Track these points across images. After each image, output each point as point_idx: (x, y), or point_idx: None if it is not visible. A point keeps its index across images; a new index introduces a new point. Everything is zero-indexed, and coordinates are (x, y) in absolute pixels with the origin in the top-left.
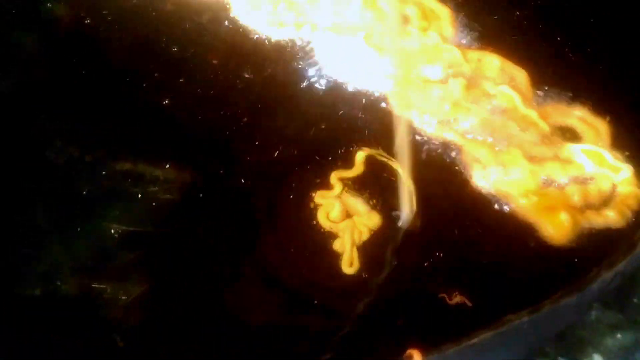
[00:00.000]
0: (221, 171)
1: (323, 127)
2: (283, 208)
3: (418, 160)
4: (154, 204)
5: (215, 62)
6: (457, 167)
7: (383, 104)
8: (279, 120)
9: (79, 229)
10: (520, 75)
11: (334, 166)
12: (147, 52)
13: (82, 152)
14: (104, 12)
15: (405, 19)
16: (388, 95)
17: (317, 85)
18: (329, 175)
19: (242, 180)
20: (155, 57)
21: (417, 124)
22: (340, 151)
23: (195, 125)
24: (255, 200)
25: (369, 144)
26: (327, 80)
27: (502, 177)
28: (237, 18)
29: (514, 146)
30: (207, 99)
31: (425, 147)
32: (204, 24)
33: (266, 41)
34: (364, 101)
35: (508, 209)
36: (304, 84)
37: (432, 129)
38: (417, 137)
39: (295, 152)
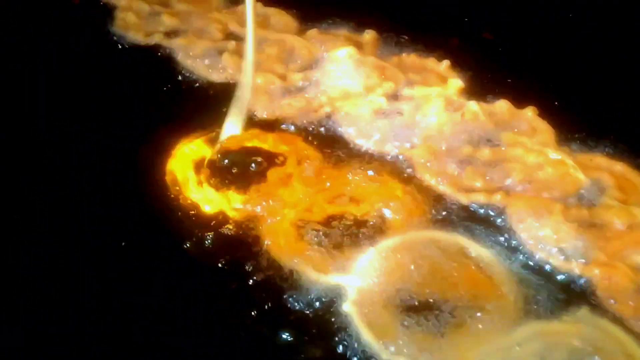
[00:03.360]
0: None
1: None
2: None
3: None
4: None
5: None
6: None
7: (590, 299)
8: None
9: None
10: None
11: None
12: None
13: None
14: None
15: (601, 190)
16: (588, 281)
17: (501, 260)
18: None
19: None
20: None
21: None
22: None
23: None
24: None
25: None
26: (513, 254)
27: None
28: (424, 180)
29: None
30: None
31: None
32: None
33: (454, 205)
34: (556, 280)
35: None
36: (494, 255)
37: None
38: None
39: None
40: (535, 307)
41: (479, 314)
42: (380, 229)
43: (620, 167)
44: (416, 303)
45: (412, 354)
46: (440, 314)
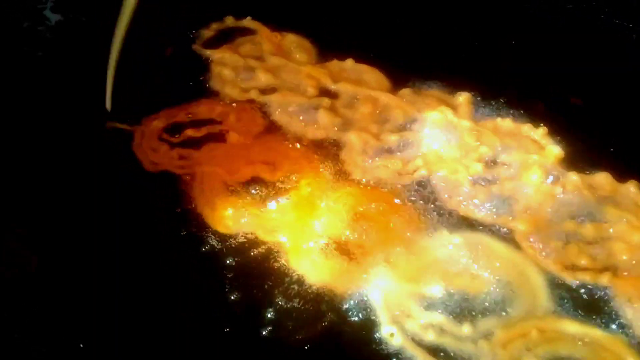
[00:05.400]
0: None
1: None
2: None
3: None
4: None
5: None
6: None
7: None
8: None
9: None
10: None
11: None
12: None
13: None
14: None
15: None
16: None
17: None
18: None
19: None
20: None
21: None
22: None
23: None
24: None
25: None
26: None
27: None
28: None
29: None
30: None
31: None
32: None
33: (559, 283)
34: None
35: None
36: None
37: None
38: None
39: None
40: None
41: None
42: (484, 309)
43: None
44: None
45: None
46: None
